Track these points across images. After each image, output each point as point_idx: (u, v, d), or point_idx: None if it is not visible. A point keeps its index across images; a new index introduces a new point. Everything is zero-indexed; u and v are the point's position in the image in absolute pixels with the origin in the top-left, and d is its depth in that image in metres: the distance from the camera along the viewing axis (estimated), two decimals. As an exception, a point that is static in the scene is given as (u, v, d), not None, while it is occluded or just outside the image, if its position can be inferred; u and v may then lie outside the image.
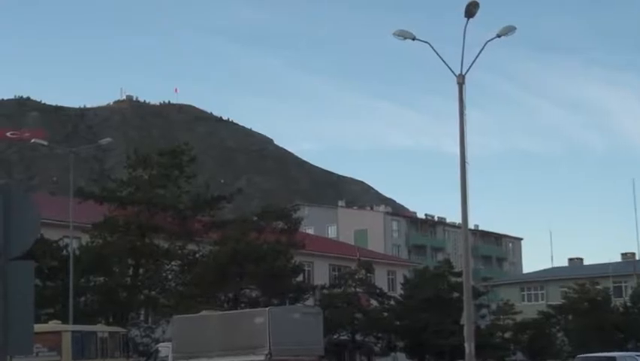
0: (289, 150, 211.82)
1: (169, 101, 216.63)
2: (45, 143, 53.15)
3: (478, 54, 23.94)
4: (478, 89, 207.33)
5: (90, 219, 41.21)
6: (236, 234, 43.09)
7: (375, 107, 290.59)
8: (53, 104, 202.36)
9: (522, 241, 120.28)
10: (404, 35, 24.33)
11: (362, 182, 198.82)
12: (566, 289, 59.73)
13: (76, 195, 41.49)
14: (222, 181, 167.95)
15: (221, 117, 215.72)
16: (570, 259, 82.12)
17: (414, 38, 24.37)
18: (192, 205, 43.36)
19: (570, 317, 56.36)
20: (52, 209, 40.71)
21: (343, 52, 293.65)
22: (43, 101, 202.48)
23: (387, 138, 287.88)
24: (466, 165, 24.30)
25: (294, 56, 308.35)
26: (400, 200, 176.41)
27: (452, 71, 24.21)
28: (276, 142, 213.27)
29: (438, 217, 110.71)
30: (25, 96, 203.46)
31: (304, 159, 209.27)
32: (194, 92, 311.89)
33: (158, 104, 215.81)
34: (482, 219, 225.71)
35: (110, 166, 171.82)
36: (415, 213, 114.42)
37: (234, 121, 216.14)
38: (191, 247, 43.27)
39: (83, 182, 63.25)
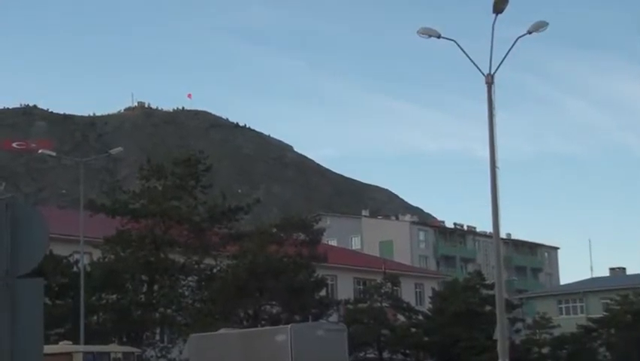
0: (309, 156, 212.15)
1: (182, 108, 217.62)
2: (53, 153, 53.59)
3: (508, 52, 23.87)
4: (508, 89, 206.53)
5: (101, 234, 41.41)
6: (255, 247, 43.14)
7: (400, 109, 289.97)
8: (61, 112, 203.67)
9: (558, 250, 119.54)
10: (429, 33, 24.30)
11: (387, 190, 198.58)
12: (607, 300, 59.19)
13: (87, 208, 41.72)
14: (239, 191, 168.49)
15: (237, 123, 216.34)
16: (611, 269, 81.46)
17: (439, 36, 24.34)
18: (209, 217, 43.47)
19: (612, 330, 55.82)
20: (61, 223, 40.97)
21: (365, 52, 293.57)
22: (50, 110, 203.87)
23: (412, 143, 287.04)
24: (497, 169, 24.20)
25: (314, 56, 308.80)
26: (427, 208, 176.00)
27: (480, 71, 24.15)
28: (295, 149, 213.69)
29: (467, 226, 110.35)
30: (31, 104, 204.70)
31: (325, 166, 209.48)
32: (209, 97, 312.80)
33: (171, 110, 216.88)
34: (515, 227, 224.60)
35: (121, 177, 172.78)
36: (443, 222, 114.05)
37: (251, 127, 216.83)
38: (208, 261, 43.36)
39: (93, 194, 63.71)
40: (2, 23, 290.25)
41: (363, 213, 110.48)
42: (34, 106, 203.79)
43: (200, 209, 43.71)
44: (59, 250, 37.68)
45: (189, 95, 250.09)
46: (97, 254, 41.67)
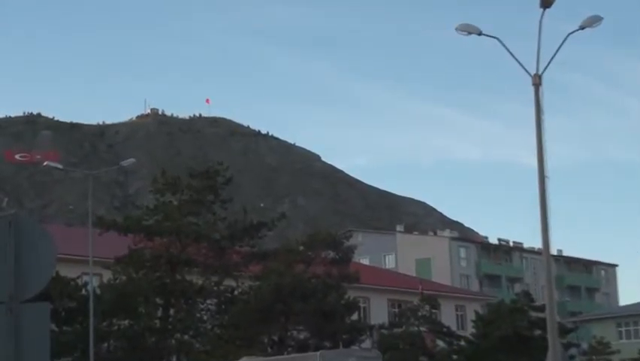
0: (338, 166, 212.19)
1: (200, 114, 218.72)
2: (59, 166, 53.99)
3: (558, 50, 23.71)
4: (558, 91, 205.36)
5: (112, 253, 41.63)
6: (280, 266, 43.17)
7: (438, 114, 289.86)
8: (68, 120, 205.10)
9: (617, 268, 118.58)
10: (469, 30, 24.23)
11: (423, 203, 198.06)
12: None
13: (96, 225, 41.96)
14: (262, 205, 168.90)
15: (259, 131, 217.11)
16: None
17: (480, 33, 24.25)
18: (229, 234, 43.57)
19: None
20: (68, 242, 41.21)
21: (398, 52, 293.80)
22: (56, 118, 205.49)
23: (451, 151, 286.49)
24: (546, 179, 24.03)
25: (343, 58, 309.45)
26: (468, 223, 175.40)
27: (526, 71, 24.02)
28: (323, 158, 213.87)
29: (513, 242, 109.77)
30: (35, 112, 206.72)
31: (356, 177, 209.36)
32: (229, 103, 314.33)
33: (187, 117, 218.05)
34: (567, 243, 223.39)
35: (134, 191, 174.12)
36: (487, 237, 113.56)
37: (275, 135, 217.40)
38: (228, 282, 43.44)
39: (103, 210, 64.24)
40: (2, 25, 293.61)
41: (398, 228, 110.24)
42: (39, 114, 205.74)
43: (219, 225, 43.82)
44: (66, 271, 37.89)
45: (207, 101, 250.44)
46: (107, 276, 41.88)
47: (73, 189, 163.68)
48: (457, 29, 24.13)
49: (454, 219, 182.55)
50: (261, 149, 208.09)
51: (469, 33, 24.26)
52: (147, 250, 41.96)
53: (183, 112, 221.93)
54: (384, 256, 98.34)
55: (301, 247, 47.71)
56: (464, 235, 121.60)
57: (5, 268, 8.07)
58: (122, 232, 42.60)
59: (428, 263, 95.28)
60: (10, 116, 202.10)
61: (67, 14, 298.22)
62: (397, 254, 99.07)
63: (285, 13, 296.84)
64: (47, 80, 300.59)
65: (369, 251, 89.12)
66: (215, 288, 42.83)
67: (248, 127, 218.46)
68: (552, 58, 23.94)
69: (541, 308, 46.85)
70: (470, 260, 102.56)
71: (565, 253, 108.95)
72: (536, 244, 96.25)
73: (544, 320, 30.09)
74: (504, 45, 23.94)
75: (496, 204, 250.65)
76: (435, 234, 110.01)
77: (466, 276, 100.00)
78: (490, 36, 24.24)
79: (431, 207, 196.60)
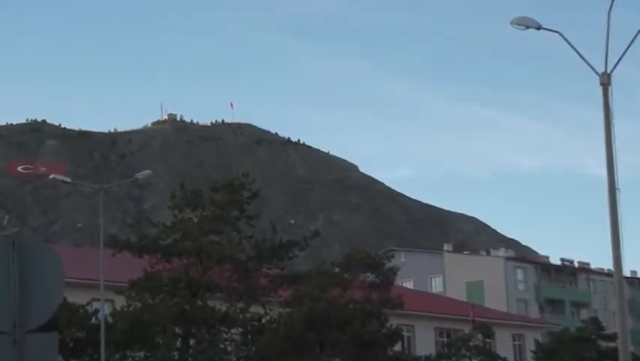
0: (378, 178, 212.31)
1: (222, 121, 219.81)
2: (67, 179, 54.38)
3: (630, 44, 23.51)
4: (630, 91, 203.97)
5: (126, 277, 41.81)
6: (313, 291, 43.15)
7: (491, 119, 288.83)
8: (76, 128, 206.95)
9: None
10: (526, 24, 24.10)
11: (475, 219, 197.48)
12: None
13: (108, 245, 42.18)
14: (293, 222, 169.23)
15: (289, 139, 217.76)
16: None
17: (539, 27, 24.11)
18: (256, 255, 43.62)
19: None
20: (77, 265, 41.45)
21: (445, 49, 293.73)
22: (62, 125, 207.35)
23: (507, 160, 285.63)
24: (617, 191, 23.82)
25: (383, 56, 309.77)
26: (525, 241, 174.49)
27: (593, 69, 23.84)
28: (361, 169, 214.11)
29: (579, 262, 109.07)
30: (39, 119, 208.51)
31: (398, 190, 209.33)
32: (254, 107, 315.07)
33: (208, 124, 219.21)
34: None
35: (149, 207, 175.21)
36: (547, 257, 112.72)
37: (306, 143, 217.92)
38: (255, 309, 43.48)
39: (115, 228, 64.62)
40: (3, 25, 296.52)
41: (446, 247, 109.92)
42: (43, 121, 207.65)
43: (245, 245, 43.87)
44: (75, 297, 38.06)
45: (231, 105, 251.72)
46: (120, 302, 42.03)
47: (82, 205, 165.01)
48: (512, 23, 24.01)
49: (510, 236, 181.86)
50: (291, 159, 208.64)
51: (527, 27, 24.13)
52: (165, 272, 42.09)
53: (204, 118, 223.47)
54: (431, 278, 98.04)
55: (337, 269, 47.74)
56: (521, 255, 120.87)
57: (8, 295, 8.08)
58: (137, 252, 42.75)
59: (480, 286, 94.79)
60: (11, 124, 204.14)
61: (72, 11, 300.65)
62: (445, 276, 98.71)
63: (317, 7, 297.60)
64: (53, 83, 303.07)
65: (413, 273, 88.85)
66: (240, 315, 42.86)
67: (276, 134, 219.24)
68: (623, 54, 23.74)
69: (612, 337, 46.48)
70: (528, 283, 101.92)
71: (639, 275, 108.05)
72: (605, 264, 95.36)
73: (615, 351, 29.85)
74: (567, 40, 23.78)
75: (559, 220, 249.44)
76: (488, 253, 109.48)
77: (524, 301, 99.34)
78: (551, 30, 24.09)
79: (483, 223, 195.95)
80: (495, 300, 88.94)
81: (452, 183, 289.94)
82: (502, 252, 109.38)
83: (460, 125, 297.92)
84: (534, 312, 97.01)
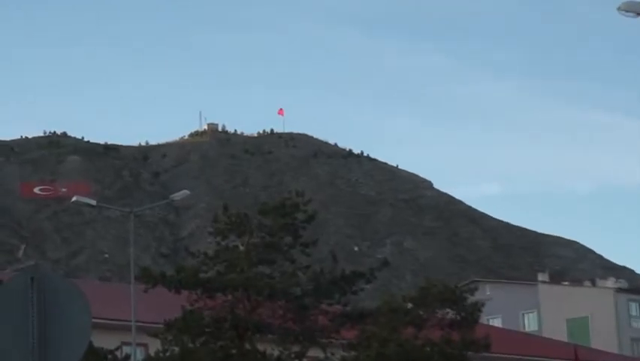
0: (457, 196, 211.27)
1: (271, 130, 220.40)
2: (92, 202, 54.76)
3: None
4: None
5: (161, 317, 42.00)
6: (382, 331, 42.99)
7: (593, 123, 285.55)
8: (101, 141, 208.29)
9: None
10: (636, 10, 23.88)
11: (575, 243, 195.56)
12: None
13: (140, 279, 42.42)
14: (356, 249, 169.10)
15: (350, 151, 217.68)
16: None
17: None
18: (313, 289, 43.60)
19: None
20: (104, 303, 41.75)
21: (539, 41, 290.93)
22: (85, 139, 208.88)
23: (614, 173, 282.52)
24: None
25: (463, 50, 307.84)
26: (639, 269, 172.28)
27: None
28: (436, 186, 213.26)
29: None
30: (59, 132, 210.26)
31: (482, 210, 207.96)
32: (309, 114, 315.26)
33: (255, 134, 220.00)
34: None
35: (187, 233, 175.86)
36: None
37: (371, 156, 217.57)
38: (314, 352, 43.43)
39: (148, 259, 64.96)
40: (18, 25, 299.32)
41: (541, 277, 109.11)
42: (63, 134, 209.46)
43: (300, 277, 43.86)
44: (102, 340, 38.30)
45: (281, 112, 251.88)
46: (155, 346, 42.23)
47: (110, 233, 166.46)
48: (619, 9, 23.81)
49: (620, 263, 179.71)
50: (354, 174, 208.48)
51: (638, 14, 23.92)
52: (207, 311, 42.21)
53: (250, 128, 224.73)
54: (523, 314, 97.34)
55: (410, 305, 47.46)
56: (635, 286, 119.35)
57: (26, 340, 8.15)
58: (174, 287, 42.92)
59: (585, 324, 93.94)
60: (26, 138, 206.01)
61: (93, 9, 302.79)
62: (541, 312, 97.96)
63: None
64: (73, 89, 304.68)
65: (501, 309, 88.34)
66: (296, 360, 42.85)
67: (335, 146, 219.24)
68: None
69: None
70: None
71: None
72: None
73: None
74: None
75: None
76: (593, 284, 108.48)
77: (638, 340, 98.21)
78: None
79: (586, 248, 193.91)
80: (603, 340, 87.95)
81: (547, 201, 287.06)
82: (611, 282, 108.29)
83: (556, 131, 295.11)
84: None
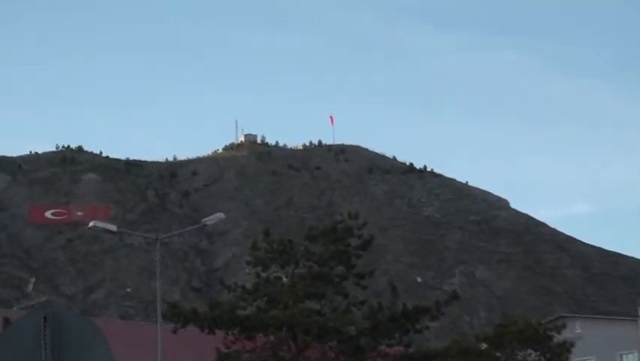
0: (538, 217, 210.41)
1: (319, 142, 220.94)
2: (112, 227, 55.05)
3: None
4: None
5: (193, 360, 42.15)
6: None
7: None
8: (122, 157, 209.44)
9: None
10: None
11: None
12: None
13: (167, 317, 42.58)
14: (420, 280, 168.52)
15: (411, 165, 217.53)
16: None
17: None
18: (370, 327, 43.60)
19: None
20: (127, 344, 41.95)
21: (628, 40, 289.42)
22: (104, 154, 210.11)
23: None
24: None
25: (546, 47, 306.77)
26: None
27: None
28: (513, 205, 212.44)
29: None
30: (74, 146, 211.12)
31: (569, 233, 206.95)
32: (363, 123, 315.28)
33: (300, 147, 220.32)
34: None
35: (222, 263, 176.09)
36: None
37: (436, 171, 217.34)
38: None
39: (177, 293, 65.15)
40: (29, 34, 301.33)
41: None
42: (79, 148, 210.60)
43: (355, 314, 43.86)
44: (125, 388, 38.62)
45: (331, 120, 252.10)
46: (187, 394, 42.44)
47: (133, 263, 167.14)
48: None
49: None
50: (416, 192, 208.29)
51: None
52: (245, 354, 42.34)
53: (294, 139, 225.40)
54: (621, 355, 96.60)
55: (484, 346, 47.41)
56: None
57: (39, 387, 8.22)
58: (207, 327, 43.07)
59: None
60: (37, 153, 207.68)
61: (114, 10, 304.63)
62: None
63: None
64: (90, 99, 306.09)
65: (595, 348, 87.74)
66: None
67: (393, 159, 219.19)
68: None
69: None
70: None
71: None
72: None
73: None
74: None
75: None
76: None
77: None
78: None
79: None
80: None
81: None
82: None
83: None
84: None
